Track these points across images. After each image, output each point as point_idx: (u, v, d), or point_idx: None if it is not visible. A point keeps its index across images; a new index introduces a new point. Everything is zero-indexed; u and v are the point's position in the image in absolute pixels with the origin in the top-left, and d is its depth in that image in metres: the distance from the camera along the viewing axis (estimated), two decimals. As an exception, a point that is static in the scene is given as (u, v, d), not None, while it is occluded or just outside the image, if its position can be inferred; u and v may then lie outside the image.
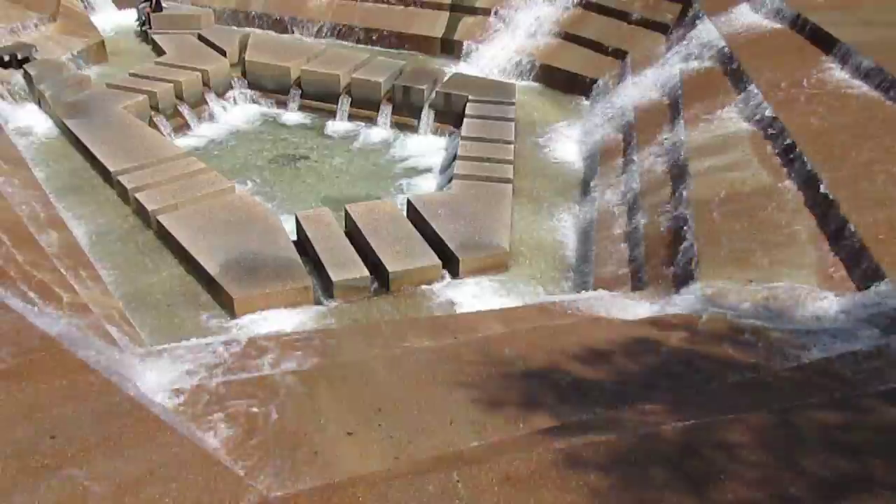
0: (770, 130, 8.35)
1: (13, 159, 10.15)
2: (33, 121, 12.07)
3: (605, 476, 3.13)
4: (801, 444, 3.33)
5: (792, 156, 7.64)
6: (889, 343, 4.63)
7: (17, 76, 12.75)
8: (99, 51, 15.20)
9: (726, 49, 10.90)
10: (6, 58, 12.86)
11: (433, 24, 16.68)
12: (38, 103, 12.41)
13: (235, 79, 14.02)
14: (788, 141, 7.85)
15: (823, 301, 5.59)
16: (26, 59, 12.95)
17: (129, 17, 17.49)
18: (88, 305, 6.78)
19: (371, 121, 13.23)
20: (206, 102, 13.27)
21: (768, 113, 8.59)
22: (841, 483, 3.07)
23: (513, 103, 12.76)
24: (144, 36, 16.36)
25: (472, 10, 16.50)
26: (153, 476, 3.44)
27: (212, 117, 13.17)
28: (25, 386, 4.09)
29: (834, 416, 3.56)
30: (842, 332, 5.04)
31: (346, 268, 8.23)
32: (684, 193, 7.97)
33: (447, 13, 16.69)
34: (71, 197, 9.93)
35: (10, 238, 7.30)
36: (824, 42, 9.78)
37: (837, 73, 9.07)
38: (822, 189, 6.83)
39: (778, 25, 11.10)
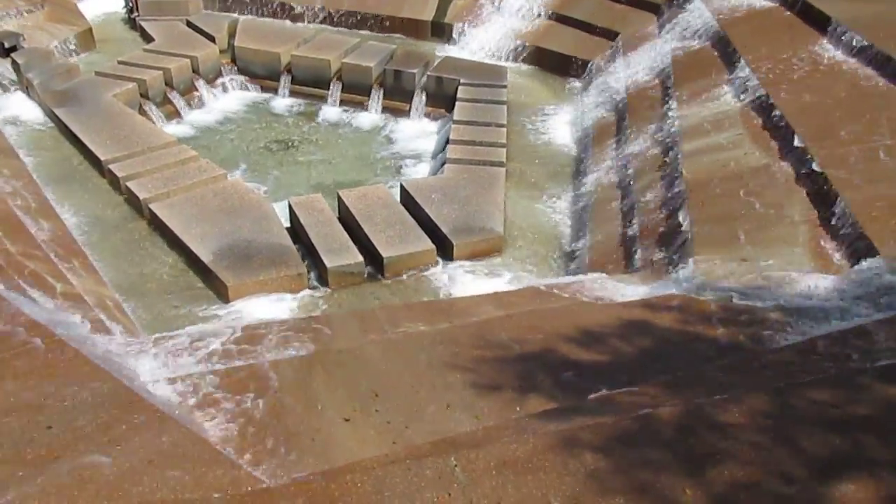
0: (762, 109, 8.35)
1: (2, 149, 10.08)
2: (22, 110, 11.97)
3: (603, 458, 3.15)
4: (796, 423, 3.35)
5: (784, 134, 7.64)
6: (883, 320, 4.65)
7: (4, 65, 12.62)
8: (87, 38, 15.06)
9: (717, 28, 10.87)
10: (-7, 46, 12.75)
11: (423, 7, 16.56)
12: (27, 92, 12.31)
13: (225, 65, 13.91)
14: (780, 119, 7.85)
15: (816, 279, 5.61)
16: (13, 48, 12.81)
17: (117, 4, 17.32)
18: (82, 295, 6.75)
19: (362, 106, 13.16)
20: (196, 89, 13.17)
21: (760, 91, 8.58)
22: (837, 461, 3.09)
23: (504, 86, 12.71)
24: (132, 23, 16.21)
25: (462, -7, 16.39)
26: (151, 465, 3.44)
27: (202, 104, 13.07)
28: (21, 377, 4.08)
29: (829, 395, 3.58)
30: (835, 310, 5.06)
31: (340, 254, 8.22)
32: (677, 174, 7.97)
33: (437, -4, 16.59)
34: (62, 186, 9.87)
35: (1, 228, 7.26)
36: (815, 19, 9.77)
37: (829, 50, 9.06)
38: (815, 167, 6.84)
39: (769, 3, 11.06)
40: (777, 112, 7.99)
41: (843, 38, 8.98)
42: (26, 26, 14.02)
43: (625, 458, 3.14)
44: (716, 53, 10.45)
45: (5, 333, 4.53)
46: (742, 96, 8.92)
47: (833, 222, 6.21)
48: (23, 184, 9.20)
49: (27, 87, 12.24)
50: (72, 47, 14.51)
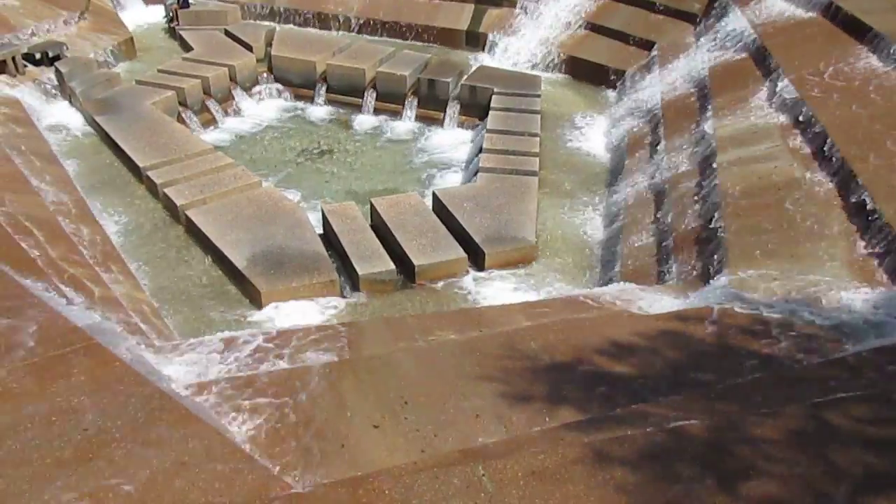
0: (801, 121, 8.22)
1: (45, 155, 10.31)
2: (64, 117, 12.25)
3: (632, 471, 3.11)
4: (832, 439, 3.28)
5: (823, 147, 7.51)
6: (923, 337, 4.55)
7: (48, 73, 12.95)
8: (128, 48, 15.37)
9: (756, 38, 10.74)
10: (38, 55, 13.06)
11: (458, 16, 16.63)
12: (69, 100, 12.59)
13: (262, 74, 14.10)
14: (819, 132, 7.73)
15: (855, 295, 5.50)
16: (57, 57, 13.13)
17: (157, 14, 17.67)
18: (119, 299, 6.88)
19: (396, 114, 13.25)
20: (233, 97, 13.36)
21: (799, 103, 8.45)
22: (873, 479, 3.02)
23: (538, 95, 12.69)
24: (172, 32, 16.52)
25: (497, 2, 16.43)
26: (183, 467, 3.48)
27: (239, 112, 13.26)
28: (58, 379, 4.16)
29: (866, 412, 3.51)
30: (874, 326, 4.96)
31: (372, 261, 8.26)
32: (712, 185, 7.88)
33: (472, 5, 16.64)
34: (102, 192, 10.08)
35: (42, 233, 7.43)
36: (857, 30, 9.59)
37: (870, 62, 8.89)
38: (854, 181, 6.71)
39: (809, 14, 10.91)
40: (816, 124, 7.86)
41: (886, 49, 8.81)
42: (70, 35, 14.36)
43: (654, 472, 3.10)
44: (754, 64, 10.32)
45: (44, 337, 4.63)
46: (780, 107, 8.79)
47: (873, 237, 6.08)
48: (64, 190, 9.41)
49: (70, 96, 12.53)
50: (113, 56, 14.81)
